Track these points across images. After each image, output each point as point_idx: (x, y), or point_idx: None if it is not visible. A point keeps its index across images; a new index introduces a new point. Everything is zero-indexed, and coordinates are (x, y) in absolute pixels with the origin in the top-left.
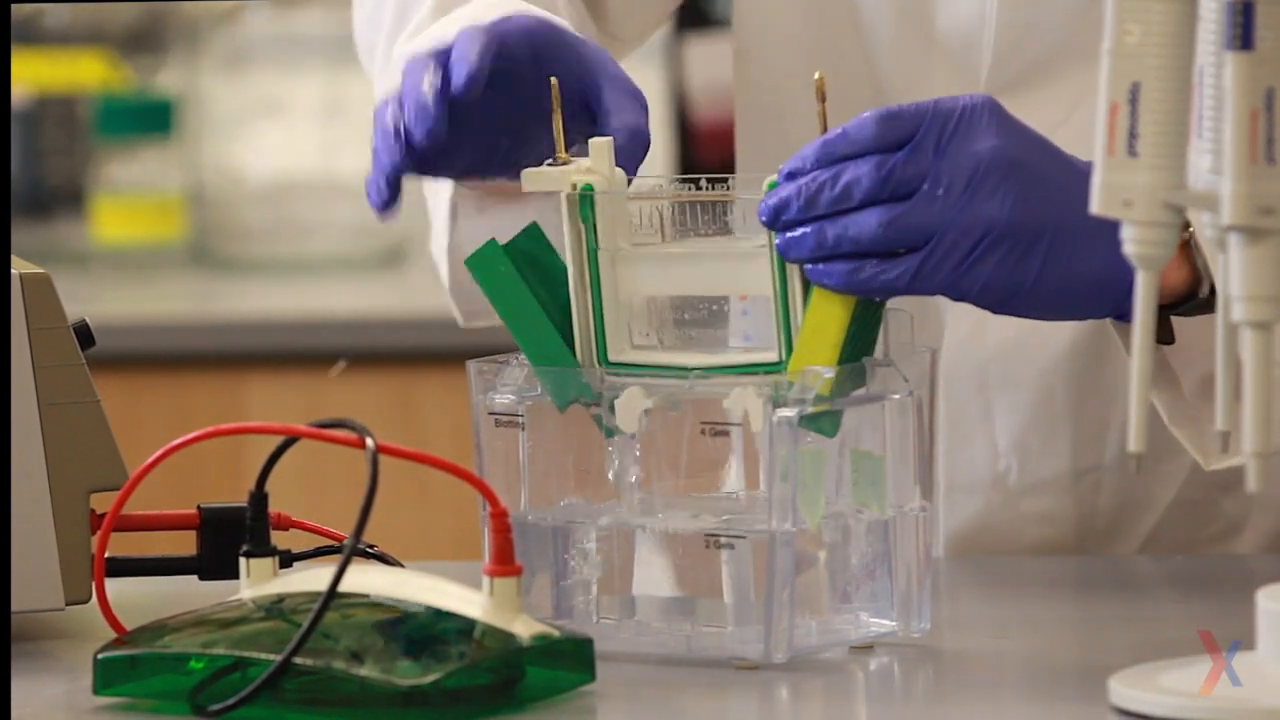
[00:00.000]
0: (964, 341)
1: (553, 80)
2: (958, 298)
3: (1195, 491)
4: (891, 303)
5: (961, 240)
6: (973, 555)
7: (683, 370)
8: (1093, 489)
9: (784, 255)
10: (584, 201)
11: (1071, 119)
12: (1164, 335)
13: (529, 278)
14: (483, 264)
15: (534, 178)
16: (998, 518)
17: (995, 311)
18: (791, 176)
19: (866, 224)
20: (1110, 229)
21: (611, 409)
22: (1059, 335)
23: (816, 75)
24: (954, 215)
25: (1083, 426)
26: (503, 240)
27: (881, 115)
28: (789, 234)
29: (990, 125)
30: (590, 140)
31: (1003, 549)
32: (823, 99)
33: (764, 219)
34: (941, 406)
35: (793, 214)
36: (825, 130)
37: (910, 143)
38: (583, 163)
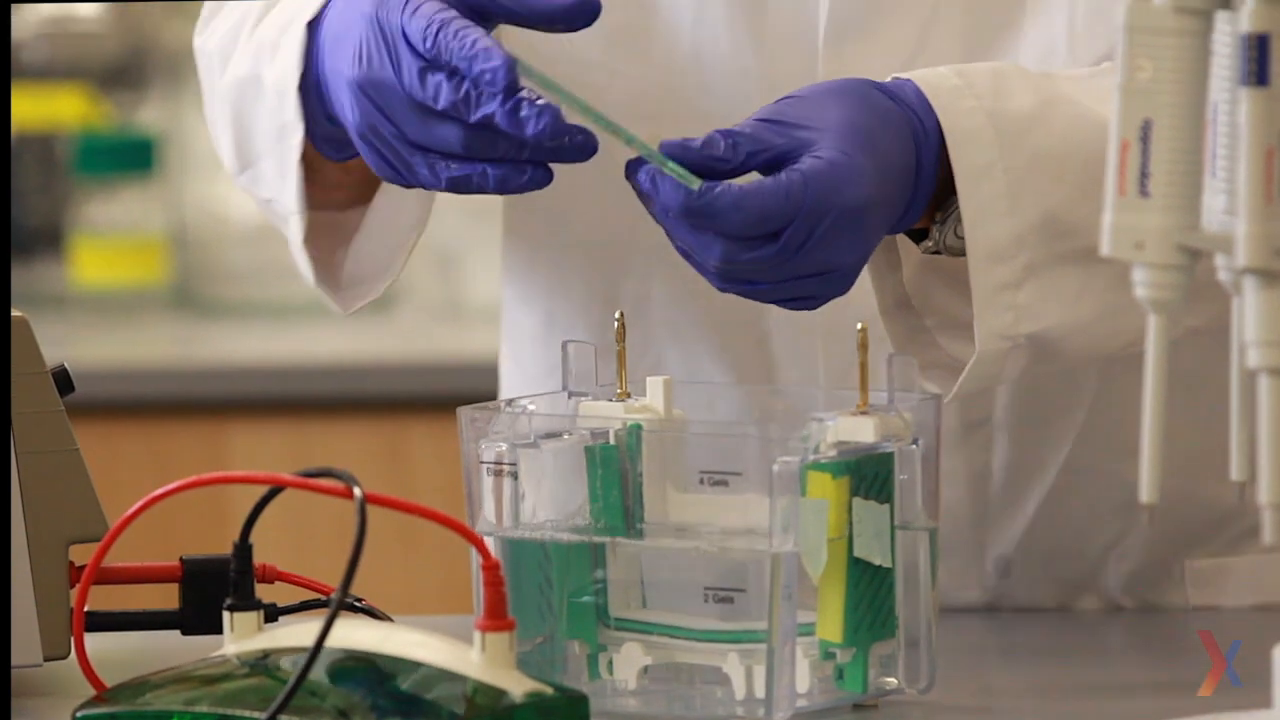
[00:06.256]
0: (843, 303)
1: (618, 313)
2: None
3: (1087, 458)
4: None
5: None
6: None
7: (682, 631)
8: (983, 447)
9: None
10: (631, 438)
11: (915, 64)
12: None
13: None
14: (595, 457)
15: (591, 410)
16: None
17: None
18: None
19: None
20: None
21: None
22: None
23: (859, 325)
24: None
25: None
26: None
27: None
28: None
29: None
30: (648, 379)
31: None
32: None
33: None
34: (820, 365)
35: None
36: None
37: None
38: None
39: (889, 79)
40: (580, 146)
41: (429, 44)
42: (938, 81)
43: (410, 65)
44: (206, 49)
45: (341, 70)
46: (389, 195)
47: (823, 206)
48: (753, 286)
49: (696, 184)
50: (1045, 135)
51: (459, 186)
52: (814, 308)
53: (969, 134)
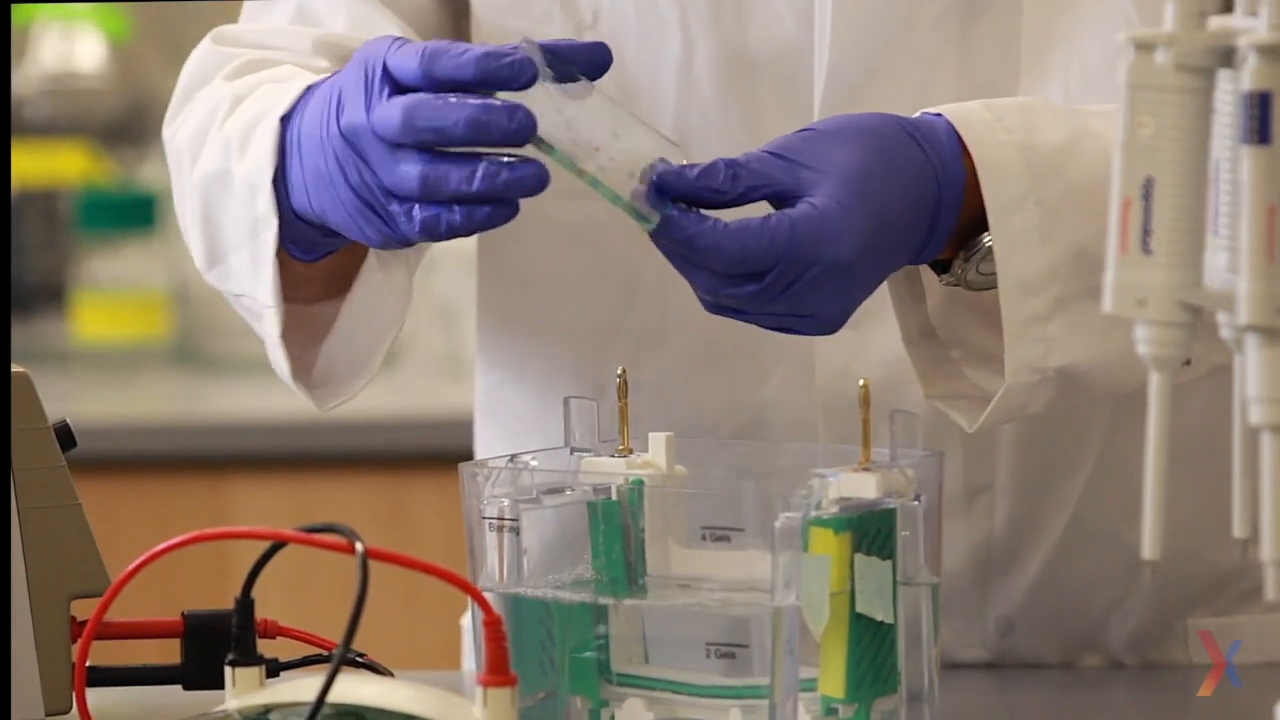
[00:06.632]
0: (841, 373)
1: (621, 370)
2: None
3: (1090, 521)
4: (892, 398)
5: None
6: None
7: (685, 686)
8: (986, 513)
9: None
10: (634, 494)
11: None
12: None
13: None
14: (597, 513)
15: (593, 465)
16: None
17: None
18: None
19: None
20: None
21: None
22: None
23: (861, 382)
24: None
25: (971, 443)
26: None
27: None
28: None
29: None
30: (650, 435)
31: None
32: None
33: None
34: (822, 437)
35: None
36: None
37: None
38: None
39: (918, 114)
40: (526, 178)
41: (421, 65)
42: (968, 115)
43: (379, 97)
44: (175, 143)
45: (327, 144)
46: (364, 293)
47: (808, 256)
48: (739, 315)
49: (652, 224)
50: (1076, 169)
51: (430, 230)
52: (802, 334)
53: (1001, 167)
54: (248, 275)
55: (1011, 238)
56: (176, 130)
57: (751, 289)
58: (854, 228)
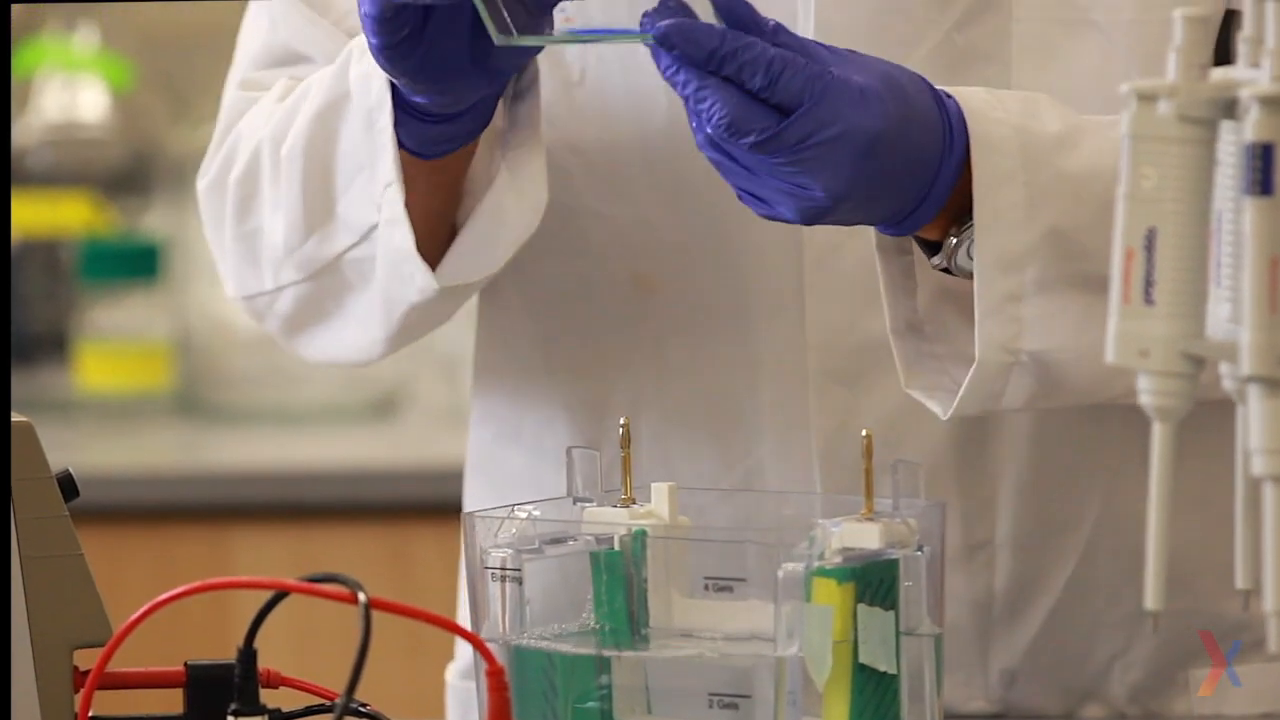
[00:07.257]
0: (837, 429)
1: (624, 419)
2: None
3: (1091, 575)
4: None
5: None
6: None
7: None
8: (986, 566)
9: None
10: (636, 544)
11: None
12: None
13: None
14: (600, 563)
15: (596, 515)
16: None
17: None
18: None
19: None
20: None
21: None
22: (936, 426)
23: (864, 433)
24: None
25: (971, 498)
26: None
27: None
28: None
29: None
30: (653, 485)
31: None
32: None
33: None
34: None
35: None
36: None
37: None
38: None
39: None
40: None
41: None
42: (970, 93)
43: None
44: (242, 157)
45: None
46: (491, 201)
47: (837, 113)
48: (729, 160)
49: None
50: (1071, 156)
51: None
52: (765, 215)
53: (995, 143)
54: (362, 199)
55: (994, 212)
56: (224, 164)
57: (767, 125)
58: (885, 110)
